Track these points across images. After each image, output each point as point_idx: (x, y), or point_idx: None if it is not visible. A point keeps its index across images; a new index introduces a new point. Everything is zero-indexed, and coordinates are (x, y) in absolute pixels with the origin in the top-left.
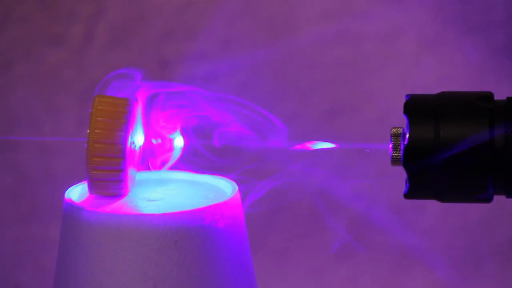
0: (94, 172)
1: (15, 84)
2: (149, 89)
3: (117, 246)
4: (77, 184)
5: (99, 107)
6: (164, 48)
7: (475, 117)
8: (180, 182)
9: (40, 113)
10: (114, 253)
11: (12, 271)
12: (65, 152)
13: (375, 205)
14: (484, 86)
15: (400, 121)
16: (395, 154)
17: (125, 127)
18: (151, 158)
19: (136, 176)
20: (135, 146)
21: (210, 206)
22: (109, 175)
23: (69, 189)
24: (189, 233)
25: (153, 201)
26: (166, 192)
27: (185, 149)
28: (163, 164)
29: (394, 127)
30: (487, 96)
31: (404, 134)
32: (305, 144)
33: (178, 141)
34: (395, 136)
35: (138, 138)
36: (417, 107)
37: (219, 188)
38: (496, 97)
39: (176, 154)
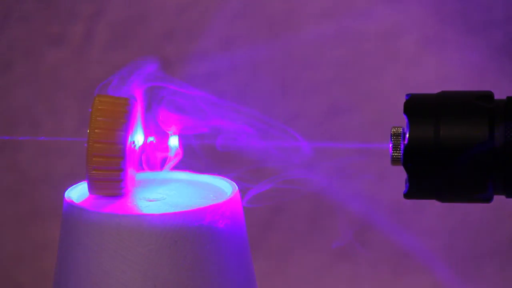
0: (94, 172)
1: (15, 84)
2: (149, 88)
3: (117, 246)
4: (77, 184)
5: (99, 107)
6: (164, 47)
7: (475, 116)
8: (180, 182)
9: (40, 113)
10: (114, 253)
11: (12, 272)
12: (65, 152)
13: (373, 202)
14: (484, 85)
15: (400, 121)
16: (395, 154)
17: (125, 127)
18: (149, 157)
19: (136, 176)
20: (135, 146)
21: (210, 206)
22: (109, 175)
23: (69, 189)
24: (189, 233)
25: (153, 201)
26: (166, 192)
27: (185, 149)
28: (161, 164)
29: (394, 127)
30: (487, 96)
31: (404, 134)
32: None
33: (173, 141)
34: (395, 136)
35: (138, 138)
36: (417, 107)
37: (219, 188)
38: (496, 97)
39: (171, 154)
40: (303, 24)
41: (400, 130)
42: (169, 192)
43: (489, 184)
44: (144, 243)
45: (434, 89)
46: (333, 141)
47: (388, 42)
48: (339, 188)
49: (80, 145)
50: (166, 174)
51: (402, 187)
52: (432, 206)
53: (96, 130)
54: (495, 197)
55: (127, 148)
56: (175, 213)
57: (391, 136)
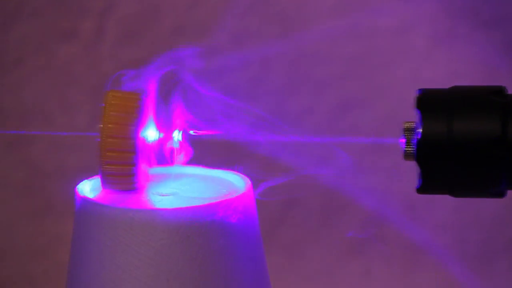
0: (107, 166)
1: (27, 79)
2: (160, 83)
3: (130, 241)
4: (90, 179)
5: (111, 102)
6: (175, 43)
7: (488, 111)
8: (192, 177)
9: (52, 108)
10: (127, 248)
11: (26, 266)
12: (77, 147)
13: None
14: (497, 80)
15: (412, 116)
16: (408, 149)
17: (138, 122)
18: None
19: (149, 171)
20: (147, 140)
21: (222, 201)
22: (122, 170)
23: (81, 183)
24: (202, 227)
25: (165, 195)
26: (179, 187)
27: (197, 144)
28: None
29: (407, 122)
30: (500, 91)
31: (417, 129)
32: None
33: (176, 136)
34: (408, 131)
35: (150, 133)
36: (429, 102)
37: (231, 183)
38: (509, 91)
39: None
40: (314, 19)
41: (413, 125)
42: (182, 186)
43: (502, 179)
44: (157, 237)
45: (446, 85)
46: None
47: (400, 37)
48: (352, 183)
49: (93, 140)
50: (179, 169)
51: (414, 182)
52: (444, 201)
53: (109, 125)
54: (508, 192)
55: (139, 142)
56: (188, 208)
57: (403, 131)
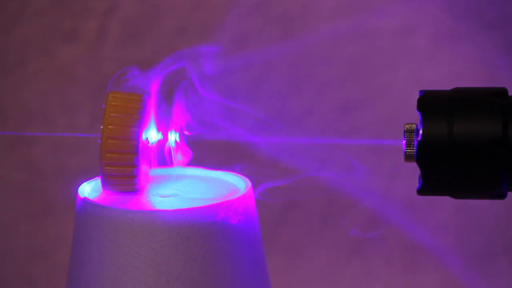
0: (107, 168)
1: (29, 79)
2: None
3: (131, 242)
4: (90, 180)
5: (112, 103)
6: (177, 44)
7: (489, 113)
8: (193, 178)
9: (53, 109)
10: (127, 249)
11: (26, 267)
12: (78, 148)
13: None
14: (499, 81)
15: (414, 117)
16: (409, 150)
17: (139, 123)
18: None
19: (150, 172)
20: (148, 142)
21: (223, 202)
22: (123, 171)
23: (82, 185)
24: (202, 229)
25: (166, 197)
26: (179, 188)
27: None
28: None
29: (408, 123)
30: (501, 92)
31: (418, 130)
32: None
33: (173, 137)
34: (409, 132)
35: (151, 134)
36: (430, 103)
37: (232, 184)
38: (510, 93)
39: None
40: (316, 21)
41: (414, 126)
42: (182, 188)
43: (503, 180)
44: (158, 238)
45: (448, 86)
46: (346, 138)
47: (402, 38)
48: (352, 184)
49: (94, 141)
50: (180, 170)
51: (415, 183)
52: (445, 203)
53: (109, 126)
54: (509, 193)
55: (140, 144)
56: (188, 209)
57: (404, 132)
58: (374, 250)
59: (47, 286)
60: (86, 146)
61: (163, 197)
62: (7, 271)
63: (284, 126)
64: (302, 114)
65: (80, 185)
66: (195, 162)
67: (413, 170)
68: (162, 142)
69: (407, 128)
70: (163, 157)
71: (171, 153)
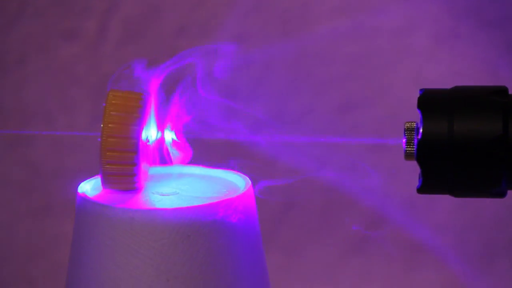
0: (107, 166)
1: (29, 78)
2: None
3: (130, 241)
4: (90, 179)
5: (112, 102)
6: (177, 43)
7: (489, 111)
8: (193, 176)
9: (53, 108)
10: (127, 248)
11: (25, 266)
12: (78, 147)
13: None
14: (499, 80)
15: (414, 116)
16: (409, 149)
17: (139, 122)
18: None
19: (149, 171)
20: (148, 140)
21: (223, 201)
22: (123, 170)
23: (82, 183)
24: (202, 227)
25: (166, 195)
26: (179, 186)
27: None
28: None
29: (408, 122)
30: (502, 91)
31: (418, 129)
32: None
33: (169, 135)
34: (409, 131)
35: (151, 133)
36: (431, 102)
37: (232, 183)
38: (510, 92)
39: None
40: (316, 20)
41: (414, 125)
42: (182, 186)
43: (503, 179)
44: (157, 237)
45: (448, 85)
46: (346, 137)
47: (402, 38)
48: (352, 183)
49: (94, 140)
50: (179, 168)
51: (415, 182)
52: (445, 201)
53: (109, 125)
54: (509, 192)
55: (140, 142)
56: (188, 208)
57: (404, 131)
58: (374, 249)
59: (47, 285)
60: (86, 145)
61: (163, 195)
62: (6, 270)
63: (284, 126)
64: (302, 113)
65: (79, 183)
66: (194, 160)
67: (413, 169)
68: (162, 141)
69: (407, 126)
70: (163, 155)
71: (170, 151)
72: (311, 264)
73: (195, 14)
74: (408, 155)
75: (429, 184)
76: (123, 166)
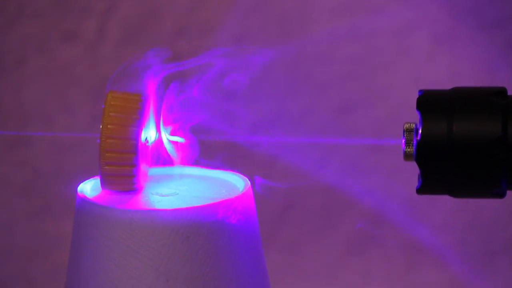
0: (106, 167)
1: (28, 80)
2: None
3: (130, 241)
4: (89, 180)
5: (112, 103)
6: (176, 44)
7: (489, 112)
8: (192, 177)
9: (52, 109)
10: (126, 248)
11: (25, 266)
12: (77, 148)
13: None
14: (498, 81)
15: (413, 117)
16: (408, 150)
17: (138, 123)
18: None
19: (149, 172)
20: (147, 141)
21: (222, 201)
22: (122, 171)
23: (81, 184)
24: (202, 228)
25: (165, 196)
26: (178, 187)
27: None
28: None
29: (407, 123)
30: (501, 92)
31: (417, 130)
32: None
33: (166, 137)
34: (408, 132)
35: (150, 134)
36: (430, 103)
37: (231, 184)
38: (509, 93)
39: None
40: (315, 21)
41: (413, 126)
42: (181, 187)
43: (502, 179)
44: (157, 238)
45: (447, 86)
46: (346, 138)
47: (401, 38)
48: (352, 183)
49: (93, 141)
50: (179, 169)
51: (414, 182)
52: (444, 202)
53: (109, 126)
54: (508, 192)
55: (139, 143)
56: (187, 208)
57: (403, 131)
58: (374, 249)
59: (46, 285)
60: (85, 146)
61: (162, 196)
62: (6, 271)
63: (284, 126)
64: (302, 114)
65: (79, 184)
66: (194, 161)
67: (413, 170)
68: (161, 141)
69: (406, 127)
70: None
71: (169, 152)
72: (311, 264)
73: (194, 15)
74: (407, 156)
75: (428, 185)
76: (122, 167)
